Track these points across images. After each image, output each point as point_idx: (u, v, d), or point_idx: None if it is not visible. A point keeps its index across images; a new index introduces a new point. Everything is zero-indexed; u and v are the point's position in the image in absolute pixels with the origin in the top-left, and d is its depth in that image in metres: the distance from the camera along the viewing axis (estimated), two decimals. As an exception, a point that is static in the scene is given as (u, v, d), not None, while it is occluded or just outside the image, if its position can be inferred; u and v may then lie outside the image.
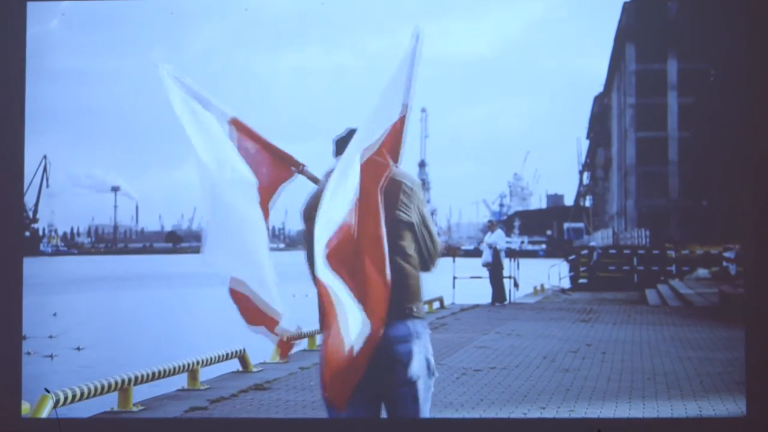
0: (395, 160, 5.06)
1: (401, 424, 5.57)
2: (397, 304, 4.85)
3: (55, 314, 29.18)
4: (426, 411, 5.02)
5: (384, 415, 5.12)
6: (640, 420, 6.61)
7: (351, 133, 5.15)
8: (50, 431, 6.77)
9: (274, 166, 5.47)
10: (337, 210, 4.75)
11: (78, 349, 20.91)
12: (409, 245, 4.99)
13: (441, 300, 20.92)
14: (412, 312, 4.97)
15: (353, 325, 4.64)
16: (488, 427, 6.69)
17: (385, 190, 4.86)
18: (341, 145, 5.16)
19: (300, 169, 5.54)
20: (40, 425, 7.12)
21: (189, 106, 5.44)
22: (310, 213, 4.97)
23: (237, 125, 5.46)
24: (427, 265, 5.09)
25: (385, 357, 4.85)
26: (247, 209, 5.45)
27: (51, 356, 19.37)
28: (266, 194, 5.48)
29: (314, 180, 5.46)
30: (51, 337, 22.92)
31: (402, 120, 5.11)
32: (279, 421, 6.67)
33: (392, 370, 4.92)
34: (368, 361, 4.69)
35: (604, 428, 6.60)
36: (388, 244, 4.78)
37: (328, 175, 4.99)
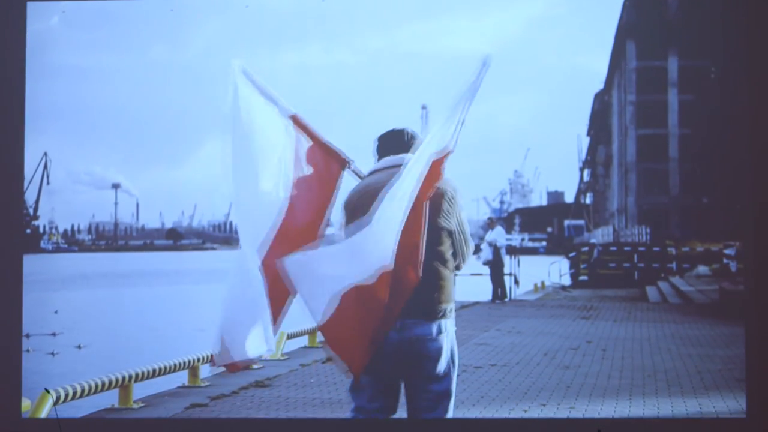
0: (441, 165, 5.19)
1: (401, 424, 5.75)
2: (431, 304, 5.24)
3: (56, 312, 29.20)
4: (451, 403, 5.36)
5: (402, 406, 5.49)
6: (640, 420, 6.62)
7: (393, 132, 5.57)
8: (50, 431, 6.77)
9: (327, 163, 5.65)
10: (394, 211, 4.98)
11: (78, 347, 20.92)
12: (446, 250, 5.31)
13: None
14: (444, 313, 5.29)
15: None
16: (488, 427, 6.69)
17: (432, 199, 5.10)
18: (384, 144, 5.56)
19: (347, 165, 5.68)
20: (40, 425, 7.12)
21: (251, 104, 5.59)
22: (355, 205, 5.33)
23: (296, 121, 5.66)
24: (459, 266, 5.41)
25: (414, 353, 5.22)
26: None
27: (53, 353, 19.39)
28: (325, 190, 5.62)
29: (360, 176, 5.64)
30: (54, 334, 22.93)
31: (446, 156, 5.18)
32: (280, 421, 6.69)
33: (419, 366, 5.25)
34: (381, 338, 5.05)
35: (604, 428, 6.61)
36: (427, 248, 5.05)
37: (372, 172, 5.45)
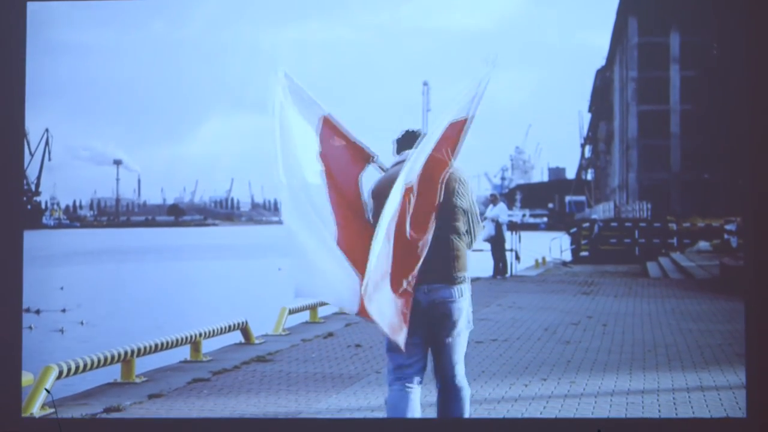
0: (454, 156, 6.06)
1: (401, 424, 6.62)
2: (450, 272, 6.17)
3: (62, 288, 29.25)
4: (463, 352, 6.35)
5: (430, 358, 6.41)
6: (641, 420, 6.65)
7: (407, 134, 6.48)
8: (50, 431, 6.80)
9: (353, 158, 6.38)
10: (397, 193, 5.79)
11: (81, 323, 20.97)
12: (462, 226, 6.21)
13: None
14: (461, 279, 6.22)
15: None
16: (488, 427, 6.72)
17: (445, 180, 6.00)
18: (401, 143, 6.48)
19: (371, 160, 6.47)
20: (40, 425, 7.15)
21: (287, 107, 6.34)
22: (377, 193, 6.23)
23: (326, 122, 6.37)
24: (471, 242, 6.30)
25: (439, 313, 6.17)
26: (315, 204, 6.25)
27: (61, 330, 19.43)
28: (351, 182, 6.38)
29: (383, 169, 6.46)
30: (64, 310, 22.98)
31: (464, 122, 6.03)
32: (280, 421, 6.72)
33: (444, 324, 6.21)
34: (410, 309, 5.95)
35: (604, 428, 6.64)
36: (446, 224, 6.07)
37: (396, 164, 6.29)
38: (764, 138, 7.39)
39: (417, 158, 5.92)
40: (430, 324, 6.25)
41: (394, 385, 6.53)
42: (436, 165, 6.00)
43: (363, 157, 6.46)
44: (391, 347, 6.37)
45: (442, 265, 6.16)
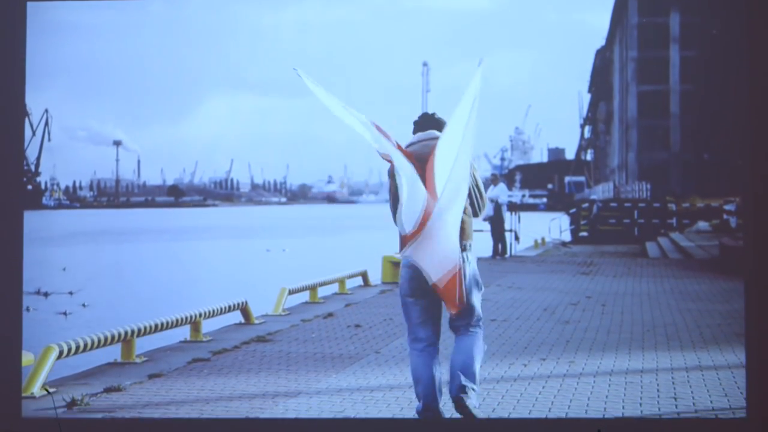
0: None
1: (402, 425, 6.76)
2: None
3: (64, 269, 29.28)
4: (479, 307, 7.16)
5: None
6: (641, 420, 6.67)
7: (425, 116, 7.40)
8: (50, 431, 6.82)
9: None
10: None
11: (83, 305, 20.99)
12: (466, 201, 6.94)
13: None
14: (465, 247, 7.02)
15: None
16: (488, 427, 6.74)
17: None
18: (419, 123, 7.40)
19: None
20: (40, 425, 7.16)
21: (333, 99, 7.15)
22: (392, 172, 7.01)
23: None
24: (477, 213, 7.19)
25: None
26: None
27: (65, 313, 19.47)
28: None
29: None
30: (71, 293, 23.02)
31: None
32: (280, 421, 6.74)
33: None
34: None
35: (604, 428, 6.66)
36: None
37: (410, 145, 7.20)
38: (764, 118, 7.39)
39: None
40: None
41: (412, 348, 7.15)
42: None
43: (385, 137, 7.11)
44: (406, 310, 7.15)
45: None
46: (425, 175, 6.84)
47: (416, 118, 7.47)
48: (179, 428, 6.89)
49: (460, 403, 6.98)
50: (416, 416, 7.12)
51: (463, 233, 6.97)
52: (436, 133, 7.19)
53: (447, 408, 7.21)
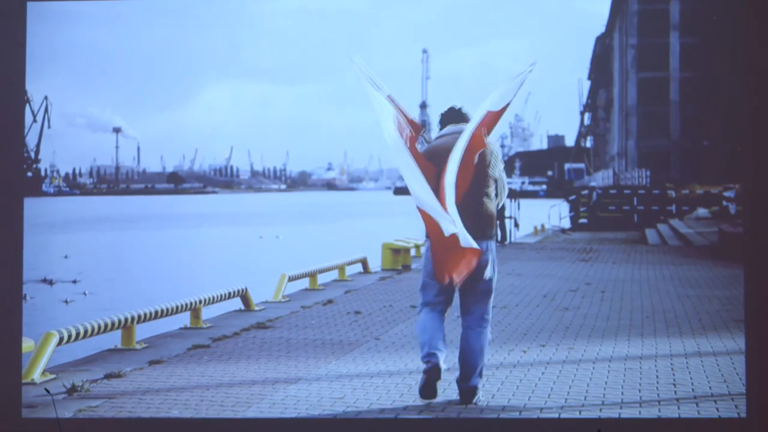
0: (489, 132, 7.47)
1: (402, 425, 6.72)
2: (482, 228, 7.45)
3: (66, 257, 29.33)
4: (491, 299, 7.72)
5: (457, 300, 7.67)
6: (641, 420, 6.68)
7: (450, 110, 7.89)
8: (50, 431, 6.82)
9: (411, 128, 7.60)
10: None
11: (84, 294, 21.03)
12: (492, 191, 7.56)
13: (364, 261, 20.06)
14: (490, 235, 7.54)
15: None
16: (488, 427, 6.76)
17: (480, 155, 7.40)
18: (446, 117, 7.89)
19: (422, 132, 7.71)
20: (40, 425, 7.17)
21: (375, 91, 7.64)
22: (431, 154, 7.54)
23: (390, 99, 7.65)
24: (499, 203, 7.69)
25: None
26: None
27: (66, 301, 19.49)
28: (412, 146, 7.58)
29: (427, 140, 7.84)
30: (75, 281, 23.05)
31: (502, 111, 7.53)
32: (282, 421, 6.75)
33: (477, 271, 7.36)
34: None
35: (604, 428, 6.67)
36: (480, 190, 7.46)
37: (439, 137, 7.73)
38: (764, 105, 7.39)
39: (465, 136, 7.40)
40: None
41: (422, 312, 7.62)
42: (475, 141, 7.39)
43: (416, 128, 7.66)
44: (424, 287, 7.64)
45: (479, 223, 7.42)
46: (447, 165, 7.34)
47: (444, 111, 7.98)
48: (179, 428, 6.89)
49: (465, 394, 7.55)
50: (422, 373, 7.49)
51: (490, 221, 7.57)
52: (463, 126, 7.62)
53: (443, 400, 7.20)
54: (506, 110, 7.58)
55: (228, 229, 48.29)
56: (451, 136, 7.58)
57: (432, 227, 7.27)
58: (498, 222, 24.09)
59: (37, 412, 7.50)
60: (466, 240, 7.12)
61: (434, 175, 7.39)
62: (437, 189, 7.30)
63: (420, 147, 7.71)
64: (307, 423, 6.74)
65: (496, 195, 7.64)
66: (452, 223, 7.13)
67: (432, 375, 7.36)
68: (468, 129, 7.43)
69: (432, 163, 7.48)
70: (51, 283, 22.72)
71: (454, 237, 7.12)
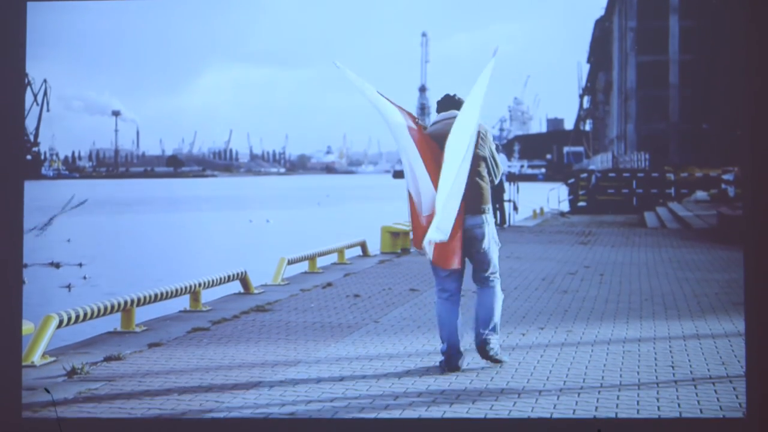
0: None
1: (402, 425, 6.71)
2: (476, 204, 8.12)
3: (69, 240, 29.34)
4: (496, 262, 8.31)
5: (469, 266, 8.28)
6: (641, 420, 6.69)
7: (447, 97, 8.46)
8: (50, 431, 6.83)
9: (411, 120, 8.15)
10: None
11: (84, 278, 21.03)
12: (483, 170, 8.20)
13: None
14: (484, 210, 8.18)
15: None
16: (487, 427, 6.77)
17: None
18: (441, 104, 8.46)
19: (415, 120, 8.16)
20: (40, 425, 7.17)
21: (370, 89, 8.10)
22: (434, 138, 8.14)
23: (380, 94, 8.12)
24: (493, 181, 8.35)
25: (471, 236, 8.10)
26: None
27: (69, 287, 19.49)
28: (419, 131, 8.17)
29: (424, 127, 8.31)
30: (80, 264, 23.04)
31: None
32: (281, 421, 6.77)
33: (474, 243, 8.14)
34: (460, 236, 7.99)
35: (604, 428, 6.68)
36: (472, 170, 8.03)
37: (434, 123, 8.32)
38: (763, 87, 7.39)
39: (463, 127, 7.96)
40: (464, 244, 8.04)
41: (439, 296, 8.24)
42: None
43: (411, 117, 8.16)
44: (434, 269, 8.15)
45: (471, 201, 8.07)
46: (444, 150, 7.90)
47: (439, 99, 8.56)
48: (180, 428, 6.91)
49: (483, 351, 8.22)
50: (441, 356, 8.23)
51: (482, 198, 8.17)
52: (455, 112, 8.20)
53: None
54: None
55: (227, 212, 48.29)
56: (443, 123, 8.24)
57: (412, 203, 8.03)
58: (497, 205, 24.15)
59: (37, 395, 7.51)
60: (435, 229, 7.69)
61: (434, 158, 7.97)
62: (435, 171, 7.90)
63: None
64: (308, 423, 6.75)
65: (489, 173, 8.28)
66: (435, 205, 7.78)
67: (449, 369, 8.11)
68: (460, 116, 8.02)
69: (430, 147, 8.07)
70: (58, 266, 22.75)
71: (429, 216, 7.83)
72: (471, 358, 8.27)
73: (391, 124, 8.04)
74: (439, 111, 8.50)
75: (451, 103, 8.42)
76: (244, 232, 36.56)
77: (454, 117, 8.08)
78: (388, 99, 8.12)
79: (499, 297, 8.30)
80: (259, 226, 38.37)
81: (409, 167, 8.02)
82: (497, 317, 8.27)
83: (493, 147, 8.38)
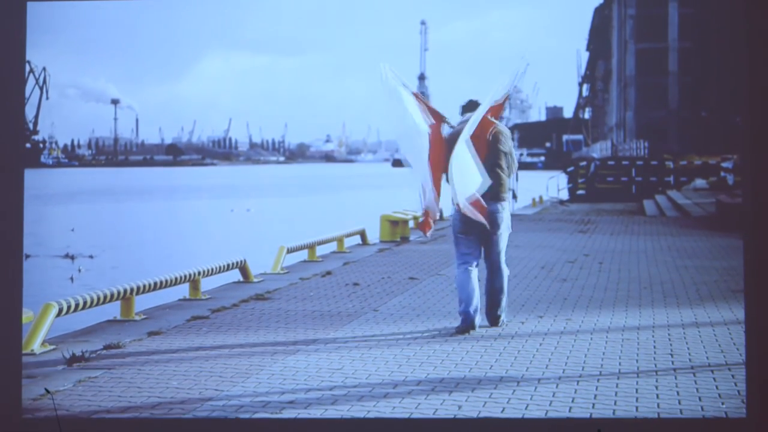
0: (498, 117, 9.57)
1: (402, 425, 6.71)
2: (497, 193, 9.32)
3: (73, 230, 29.35)
4: (505, 245, 9.56)
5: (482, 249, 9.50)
6: (641, 420, 6.70)
7: (471, 102, 9.67)
8: (50, 431, 6.83)
9: (436, 119, 9.36)
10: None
11: (79, 270, 21.02)
12: (503, 163, 9.42)
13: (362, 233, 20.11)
14: (503, 197, 9.42)
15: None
16: (487, 427, 6.78)
17: (492, 134, 9.37)
18: (466, 108, 9.70)
19: (444, 119, 9.41)
20: (40, 425, 7.18)
21: (401, 90, 9.22)
22: (449, 140, 9.28)
23: (416, 96, 9.35)
24: (510, 173, 9.55)
25: (490, 219, 9.18)
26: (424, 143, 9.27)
27: (71, 279, 19.49)
28: (436, 135, 9.34)
29: (451, 126, 9.46)
30: (91, 256, 23.05)
31: (504, 101, 9.55)
32: (281, 421, 6.78)
33: (492, 226, 9.29)
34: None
35: (604, 428, 6.68)
36: (494, 162, 9.32)
37: (461, 123, 9.40)
38: (763, 75, 7.39)
39: (474, 121, 9.15)
40: (483, 226, 9.18)
41: (459, 268, 9.43)
42: (486, 125, 9.26)
43: (440, 117, 9.38)
44: (456, 242, 9.50)
45: (493, 189, 9.23)
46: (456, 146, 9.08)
47: (464, 103, 9.86)
48: (180, 428, 6.91)
49: (491, 321, 9.55)
50: (459, 318, 9.39)
51: (501, 187, 9.39)
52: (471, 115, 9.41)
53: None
54: (508, 99, 9.73)
55: (227, 200, 48.27)
56: (463, 123, 9.37)
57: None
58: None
59: (37, 383, 7.53)
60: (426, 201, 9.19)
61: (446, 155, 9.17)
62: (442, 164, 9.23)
63: (444, 132, 9.41)
64: (307, 423, 6.76)
65: (508, 166, 9.49)
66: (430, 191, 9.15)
67: (466, 329, 9.27)
68: (474, 117, 9.20)
69: (448, 144, 9.22)
70: (72, 258, 22.78)
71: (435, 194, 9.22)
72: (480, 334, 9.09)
73: (411, 130, 9.23)
74: (462, 113, 9.76)
75: (473, 107, 9.57)
76: (245, 220, 36.58)
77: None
78: (424, 101, 9.36)
79: (505, 272, 9.59)
80: (256, 215, 38.40)
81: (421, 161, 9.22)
82: (504, 294, 9.59)
83: (512, 144, 9.63)
